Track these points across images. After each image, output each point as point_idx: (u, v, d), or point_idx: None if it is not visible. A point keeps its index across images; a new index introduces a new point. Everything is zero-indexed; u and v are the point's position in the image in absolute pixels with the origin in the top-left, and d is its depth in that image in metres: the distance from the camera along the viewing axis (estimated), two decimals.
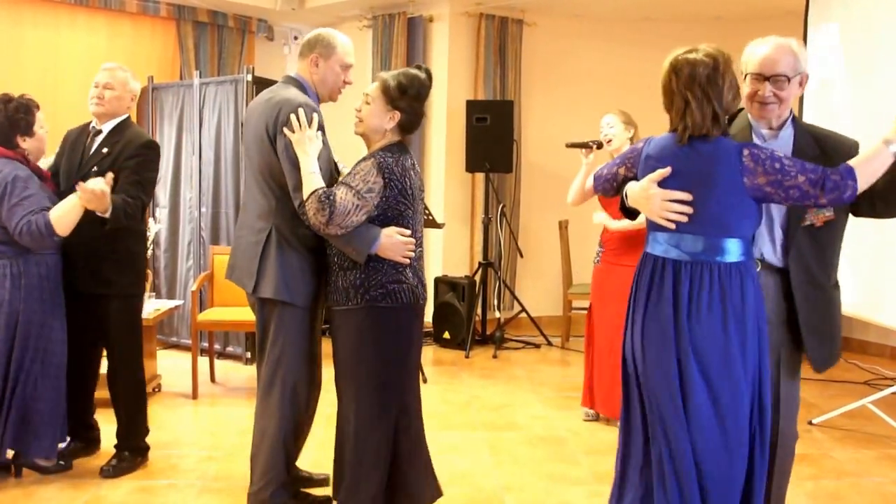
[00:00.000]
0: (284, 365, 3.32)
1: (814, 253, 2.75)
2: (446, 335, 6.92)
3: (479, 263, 7.13)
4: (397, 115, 3.15)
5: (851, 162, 2.51)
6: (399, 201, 3.11)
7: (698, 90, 2.52)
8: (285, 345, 3.32)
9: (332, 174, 3.32)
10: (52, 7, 6.91)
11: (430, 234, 7.49)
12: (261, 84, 6.11)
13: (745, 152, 2.52)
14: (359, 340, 3.13)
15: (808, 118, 5.50)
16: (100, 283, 3.84)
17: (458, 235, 7.56)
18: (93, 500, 3.65)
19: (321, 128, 3.21)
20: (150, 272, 6.00)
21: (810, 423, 4.91)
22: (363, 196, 3.00)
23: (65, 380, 3.81)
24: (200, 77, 6.47)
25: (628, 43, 7.75)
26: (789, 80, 2.68)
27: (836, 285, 2.88)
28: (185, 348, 6.08)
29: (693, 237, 2.60)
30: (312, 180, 3.04)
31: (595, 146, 4.56)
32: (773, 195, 2.52)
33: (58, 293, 3.79)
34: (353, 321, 3.13)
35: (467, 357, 6.62)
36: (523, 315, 7.21)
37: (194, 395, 5.29)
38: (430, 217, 5.95)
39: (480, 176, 7.28)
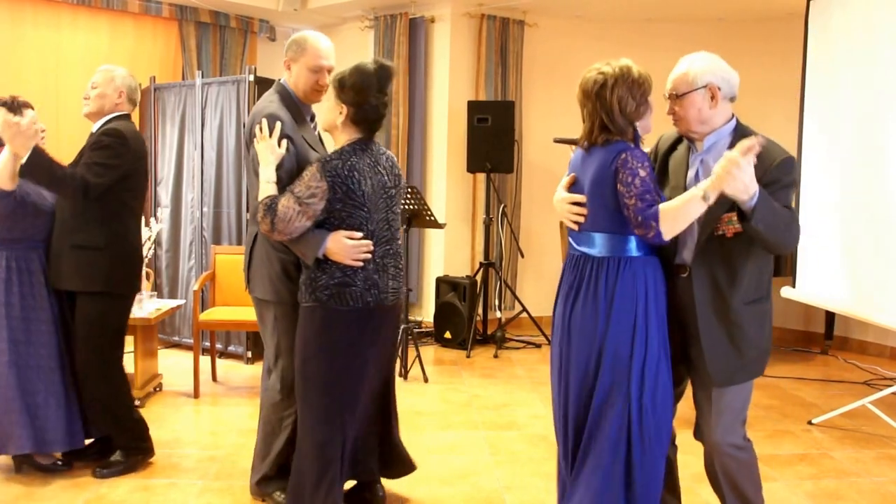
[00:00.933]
0: (282, 360, 3.41)
1: (721, 263, 2.77)
2: (447, 335, 6.94)
3: (481, 263, 7.14)
4: (345, 110, 3.12)
5: (665, 205, 2.64)
6: (346, 204, 3.07)
7: (588, 102, 2.79)
8: (280, 340, 3.41)
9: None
10: (54, 7, 6.92)
11: (431, 234, 7.52)
12: (263, 84, 6.13)
13: (621, 156, 2.70)
14: (305, 338, 3.15)
15: (809, 119, 5.52)
16: (60, 279, 3.85)
17: (460, 236, 7.58)
18: (94, 499, 3.66)
19: (285, 136, 3.23)
20: (150, 271, 6.02)
21: (810, 422, 4.93)
22: (304, 202, 3.01)
23: (59, 376, 3.83)
24: (202, 77, 6.48)
25: (629, 44, 7.75)
26: (678, 96, 2.81)
27: (754, 301, 2.81)
28: (187, 347, 6.10)
29: (585, 234, 2.86)
30: (266, 189, 3.10)
31: None
32: (622, 189, 2.71)
33: (39, 288, 3.82)
34: (304, 319, 3.16)
35: (468, 357, 6.63)
36: (524, 315, 7.22)
37: (196, 395, 5.30)
38: (432, 217, 5.96)
39: (481, 176, 7.29)
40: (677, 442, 3.14)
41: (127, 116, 4.01)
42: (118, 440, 4.01)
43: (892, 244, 4.69)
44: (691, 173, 2.87)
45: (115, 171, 3.74)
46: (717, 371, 2.81)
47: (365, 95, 3.09)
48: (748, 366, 2.84)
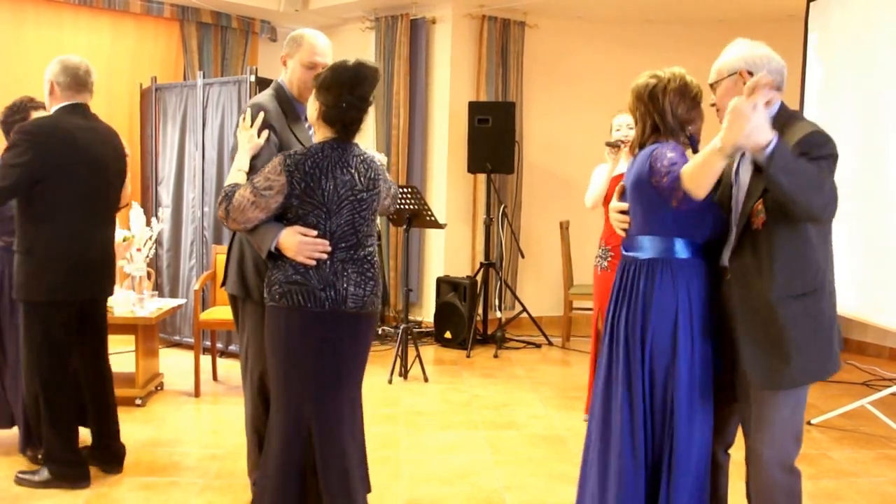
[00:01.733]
0: (250, 357, 3.36)
1: (752, 255, 2.61)
2: (448, 335, 6.95)
3: (481, 263, 7.16)
4: (319, 107, 3.03)
5: (685, 164, 2.57)
6: (304, 201, 2.96)
7: (640, 105, 2.82)
8: (249, 337, 3.36)
9: None
10: (56, 7, 6.94)
11: (432, 235, 7.53)
12: (264, 85, 6.10)
13: (654, 152, 2.70)
14: (265, 335, 3.09)
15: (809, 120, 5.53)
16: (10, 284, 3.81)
17: (460, 236, 7.59)
18: (94, 498, 3.67)
19: (267, 127, 3.20)
20: (152, 271, 6.02)
21: (809, 423, 4.92)
22: (261, 193, 2.92)
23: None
24: (204, 77, 6.49)
25: (629, 45, 7.77)
26: (713, 85, 2.80)
27: (801, 295, 2.60)
28: (188, 347, 6.10)
29: (633, 239, 2.87)
30: (234, 176, 3.06)
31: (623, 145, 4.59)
32: (654, 179, 2.67)
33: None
34: (265, 315, 3.08)
35: (468, 356, 6.64)
36: (524, 315, 7.24)
37: (196, 394, 5.31)
38: (432, 217, 5.98)
39: (482, 177, 7.31)
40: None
41: (71, 107, 3.70)
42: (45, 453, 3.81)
43: (891, 245, 4.70)
44: (735, 165, 2.75)
45: (19, 170, 3.47)
46: (757, 371, 2.61)
47: (335, 95, 2.97)
48: (797, 369, 2.57)
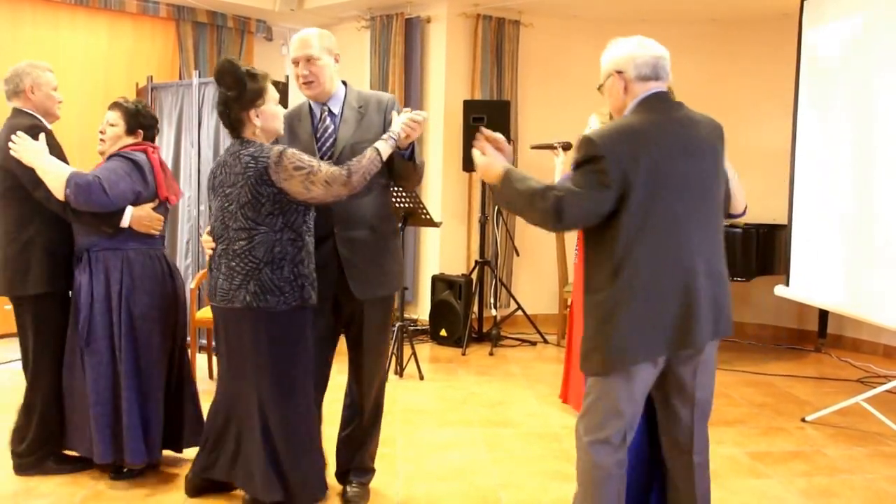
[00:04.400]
0: None
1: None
2: (443, 332, 6.97)
3: (476, 262, 7.18)
4: None
5: None
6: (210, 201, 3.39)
7: None
8: None
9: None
10: (52, 7, 6.95)
11: (427, 233, 7.55)
12: None
13: None
14: None
15: (803, 119, 5.56)
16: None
17: (456, 234, 7.62)
18: (91, 496, 3.68)
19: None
20: None
21: (803, 420, 4.96)
22: None
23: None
24: (199, 77, 6.50)
25: None
26: (599, 89, 2.95)
27: (588, 292, 2.75)
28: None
29: None
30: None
31: (561, 147, 4.64)
32: None
33: None
34: None
35: (464, 354, 6.66)
36: (519, 313, 7.26)
37: None
38: (428, 216, 5.99)
39: (477, 175, 7.30)
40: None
41: (20, 112, 3.87)
42: None
43: (885, 242, 4.73)
44: None
45: None
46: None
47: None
48: (582, 359, 2.75)
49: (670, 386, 2.77)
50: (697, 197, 2.66)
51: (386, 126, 3.40)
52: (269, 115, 3.28)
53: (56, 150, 3.79)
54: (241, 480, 3.38)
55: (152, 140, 4.00)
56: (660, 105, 2.72)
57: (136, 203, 3.71)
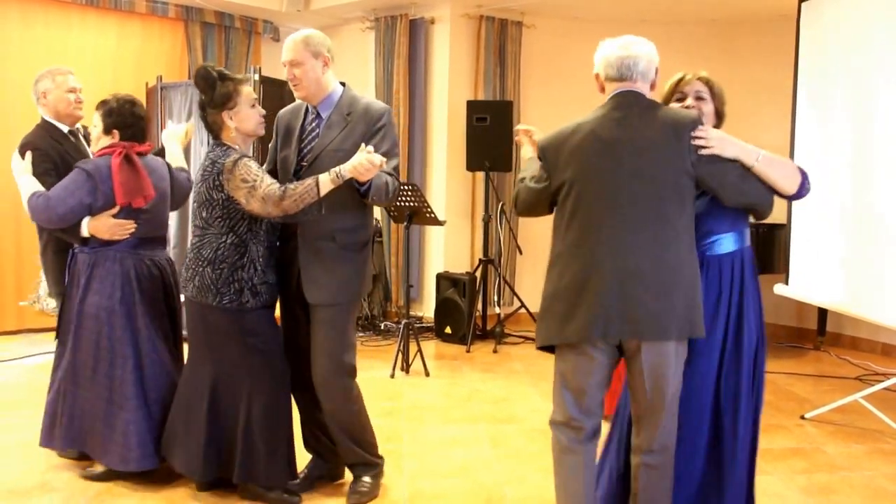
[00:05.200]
0: None
1: None
2: (448, 330, 7.04)
3: (480, 260, 7.24)
4: None
5: None
6: None
7: None
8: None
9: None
10: (63, 7, 7.02)
11: (431, 232, 7.61)
12: (267, 84, 6.22)
13: None
14: None
15: (802, 118, 5.58)
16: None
17: (459, 233, 7.68)
18: (104, 490, 3.72)
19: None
20: None
21: (803, 417, 4.99)
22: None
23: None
24: None
25: None
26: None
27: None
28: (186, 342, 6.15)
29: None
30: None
31: None
32: None
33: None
34: None
35: (468, 351, 6.73)
36: (523, 311, 7.31)
37: None
38: (432, 215, 6.05)
39: (480, 174, 7.39)
40: None
41: (41, 121, 4.09)
42: None
43: (883, 241, 4.75)
44: None
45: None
46: None
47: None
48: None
49: (630, 382, 2.89)
50: (632, 196, 2.70)
51: (369, 138, 3.35)
52: (243, 117, 3.39)
53: (74, 152, 3.92)
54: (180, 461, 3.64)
55: (137, 138, 3.82)
56: (612, 104, 2.86)
57: (91, 213, 3.65)
